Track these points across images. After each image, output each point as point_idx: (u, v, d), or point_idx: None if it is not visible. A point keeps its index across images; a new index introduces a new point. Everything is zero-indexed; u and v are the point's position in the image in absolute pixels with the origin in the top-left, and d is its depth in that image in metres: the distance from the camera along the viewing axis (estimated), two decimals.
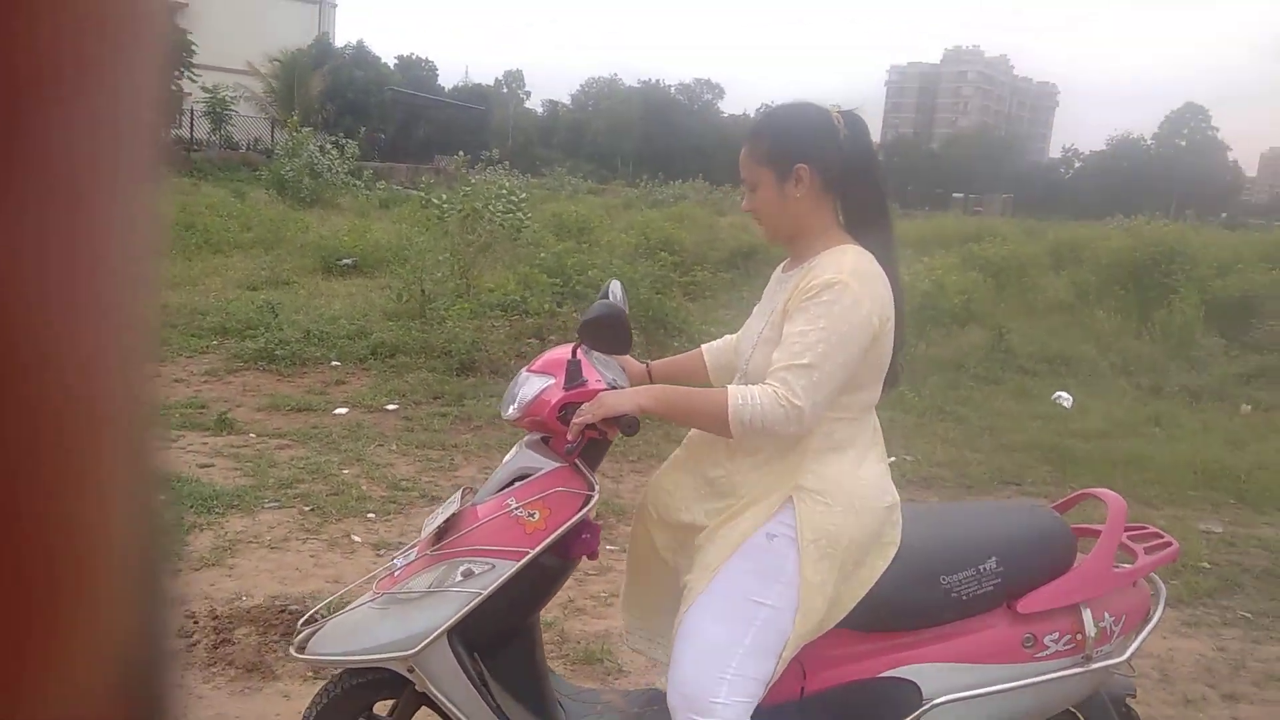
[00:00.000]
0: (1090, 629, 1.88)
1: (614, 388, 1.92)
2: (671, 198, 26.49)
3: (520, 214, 14.11)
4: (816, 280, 1.75)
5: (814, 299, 1.73)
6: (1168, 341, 9.32)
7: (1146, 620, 1.97)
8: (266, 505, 4.28)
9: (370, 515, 4.29)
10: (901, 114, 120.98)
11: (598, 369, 2.02)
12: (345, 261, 11.46)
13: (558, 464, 1.96)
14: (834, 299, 1.72)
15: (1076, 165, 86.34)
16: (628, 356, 2.21)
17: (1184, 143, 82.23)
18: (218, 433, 5.30)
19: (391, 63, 52.15)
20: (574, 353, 1.97)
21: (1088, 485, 5.58)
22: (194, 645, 3.10)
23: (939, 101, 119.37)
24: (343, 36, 40.74)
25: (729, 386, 1.77)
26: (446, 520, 1.99)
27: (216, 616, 3.28)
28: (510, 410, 2.02)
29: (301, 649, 1.97)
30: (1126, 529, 2.07)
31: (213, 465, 4.76)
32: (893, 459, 5.95)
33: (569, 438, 1.86)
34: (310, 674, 2.89)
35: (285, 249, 12.39)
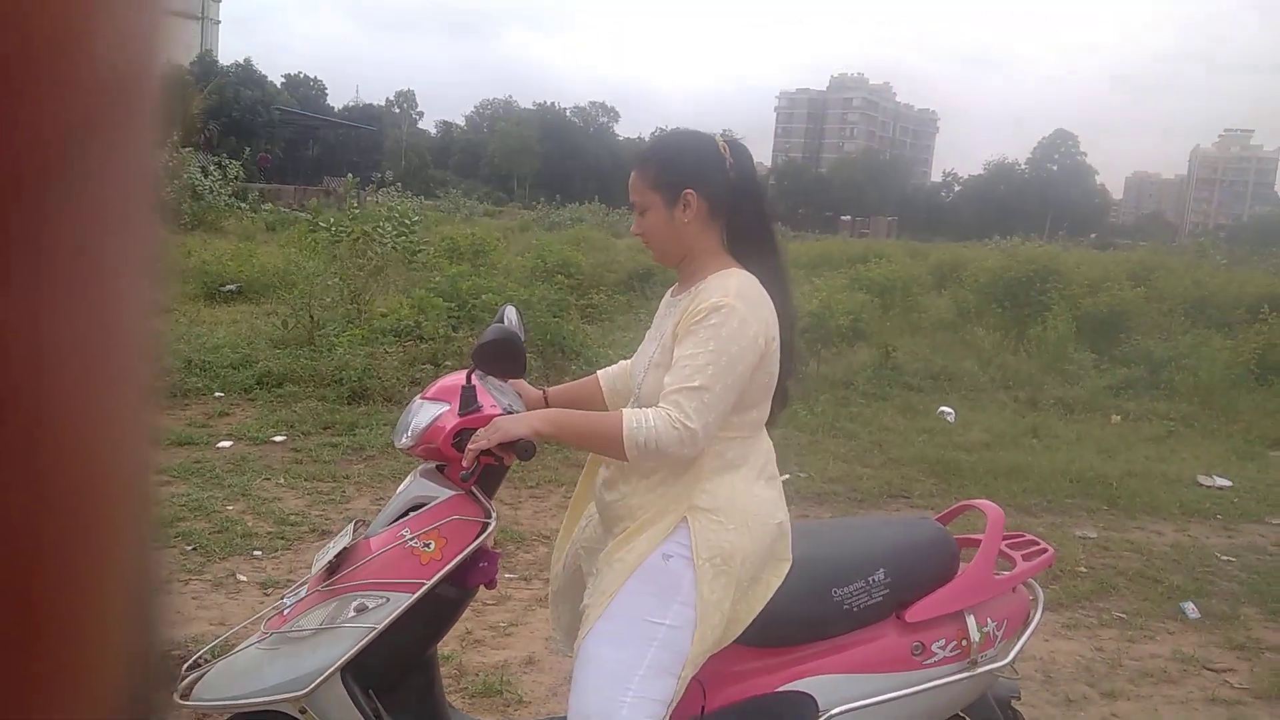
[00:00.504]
0: (975, 634, 1.96)
1: (509, 413, 1.90)
2: (568, 220, 26.56)
3: (412, 237, 13.93)
4: (704, 304, 1.79)
5: (702, 322, 1.78)
6: (1043, 356, 9.78)
7: (1027, 624, 2.06)
8: None
9: (257, 553, 4.14)
10: (791, 139, 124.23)
11: (493, 395, 2.00)
12: (229, 287, 11.10)
13: (453, 492, 1.93)
14: (721, 321, 1.76)
15: (956, 189, 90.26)
16: (524, 383, 2.22)
17: (1055, 167, 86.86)
18: None
19: (279, 81, 50.93)
20: (468, 378, 1.95)
21: (972, 496, 5.81)
22: None
23: (826, 127, 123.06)
24: (227, 55, 39.57)
25: (624, 410, 1.80)
26: (338, 555, 1.93)
27: None
28: (404, 439, 1.99)
29: (186, 696, 1.90)
30: (1005, 537, 2.17)
31: None
32: (787, 476, 6.05)
33: (464, 464, 1.84)
34: None
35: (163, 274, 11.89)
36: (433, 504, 1.93)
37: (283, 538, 4.32)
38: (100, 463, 0.29)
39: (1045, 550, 2.15)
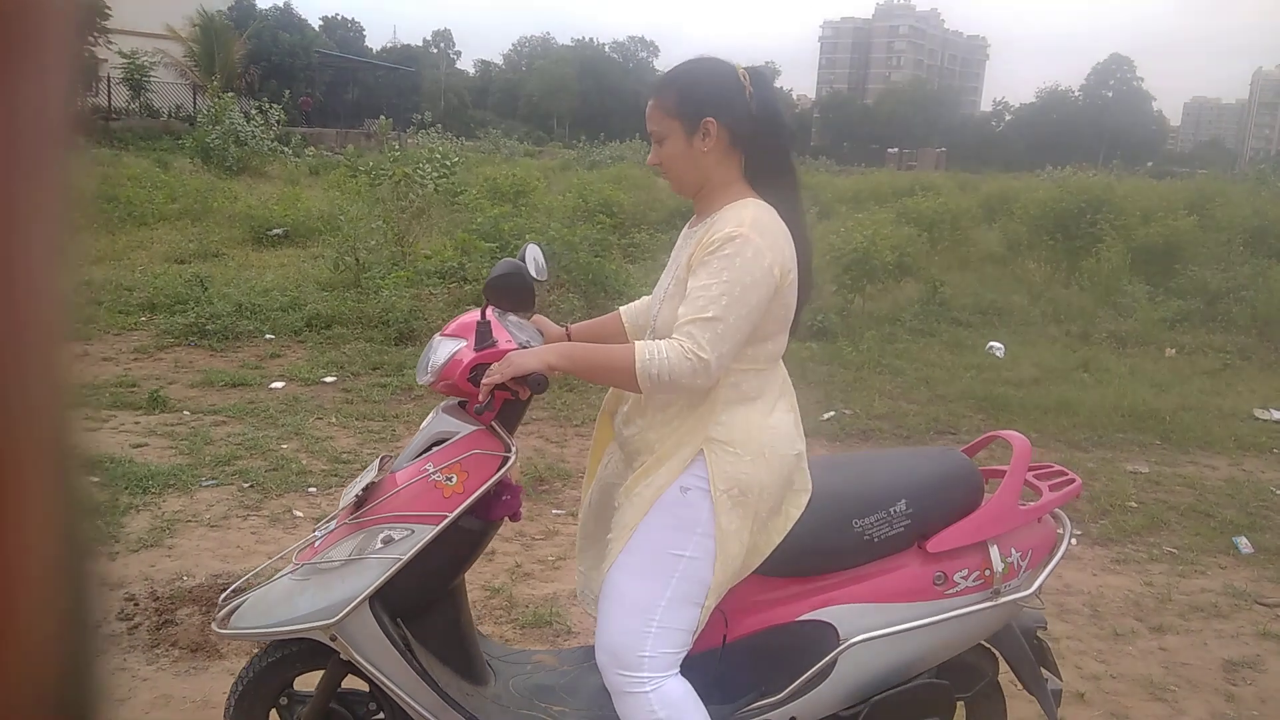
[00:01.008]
0: (998, 564, 1.95)
1: (525, 348, 1.92)
2: (609, 159, 26.26)
3: (453, 178, 13.92)
4: (718, 234, 1.77)
5: (716, 253, 1.76)
6: (1095, 289, 9.58)
7: (1053, 554, 2.05)
8: (204, 483, 4.20)
9: (311, 489, 4.24)
10: (836, 70, 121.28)
11: (510, 331, 2.02)
12: (276, 232, 11.20)
13: (474, 427, 1.95)
14: (735, 252, 1.74)
15: (1007, 118, 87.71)
16: (546, 319, 2.24)
17: (1110, 94, 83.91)
18: (150, 411, 5.17)
19: (317, 24, 50.73)
20: (483, 314, 1.96)
21: (1021, 431, 5.76)
22: (136, 627, 3.05)
23: (872, 56, 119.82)
24: None
25: (636, 342, 1.79)
26: (365, 489, 1.98)
27: (158, 598, 3.22)
28: (425, 376, 2.02)
29: (224, 625, 1.96)
30: (1032, 468, 2.15)
31: (146, 445, 4.65)
32: (832, 413, 6.03)
33: (480, 398, 1.87)
34: (255, 650, 2.87)
35: (213, 220, 12.04)
36: (454, 439, 1.95)
37: (336, 475, 4.42)
38: (12, 419, 0.26)
39: (1073, 480, 2.11)
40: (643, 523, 1.83)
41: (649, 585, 1.82)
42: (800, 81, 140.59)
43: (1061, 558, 2.05)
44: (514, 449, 1.96)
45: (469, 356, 1.93)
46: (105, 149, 21.40)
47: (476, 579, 3.51)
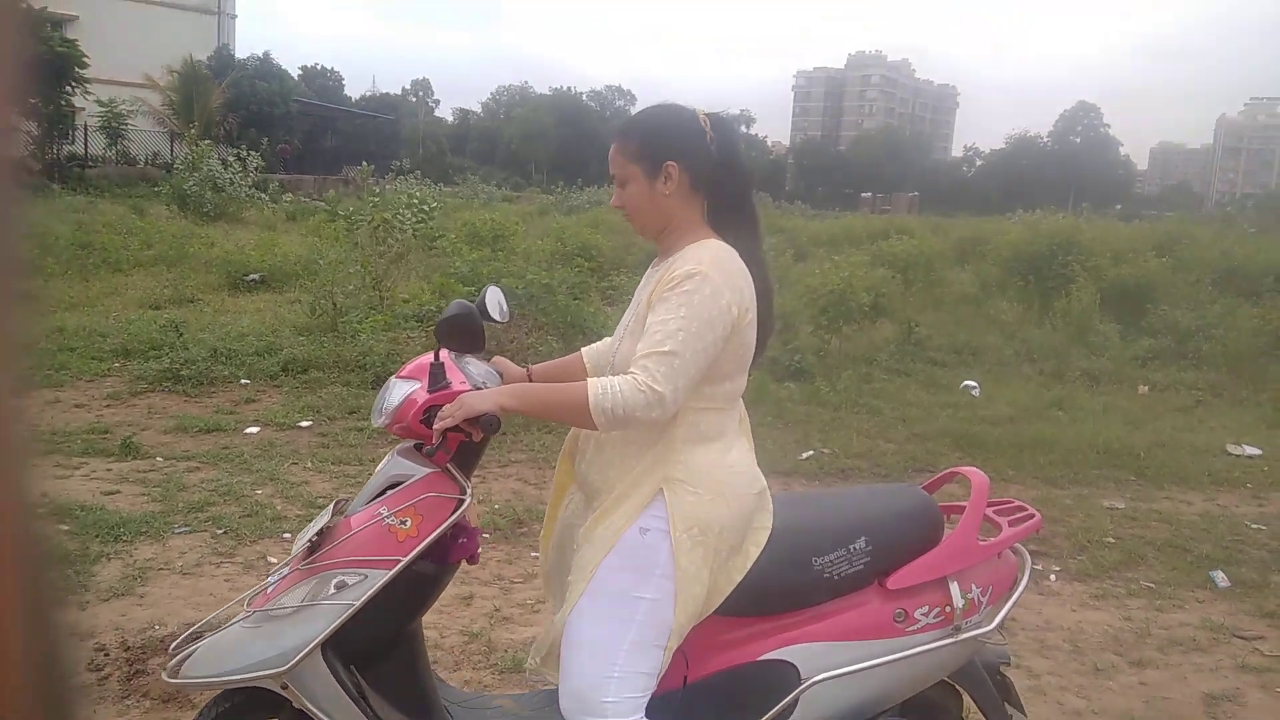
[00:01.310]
0: (958, 601, 1.94)
1: (480, 390, 1.91)
2: (587, 203, 26.48)
3: (431, 223, 13.97)
4: (678, 271, 1.78)
5: (675, 289, 1.77)
6: (1067, 329, 9.70)
7: (1013, 589, 2.04)
8: (177, 530, 4.14)
9: (286, 535, 4.18)
10: (809, 117, 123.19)
11: (467, 372, 2.02)
12: (252, 277, 11.16)
13: (429, 470, 1.94)
14: (694, 289, 1.75)
15: (978, 163, 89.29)
16: (505, 360, 2.25)
17: (1079, 139, 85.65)
18: (122, 458, 5.10)
19: (296, 73, 51.05)
20: (436, 356, 1.96)
21: (998, 469, 5.79)
22: (106, 678, 2.98)
23: (845, 104, 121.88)
24: (243, 49, 39.66)
25: (589, 379, 1.79)
26: (319, 533, 1.95)
27: (129, 648, 3.16)
28: (379, 419, 2.01)
29: (175, 674, 1.92)
30: (991, 504, 2.14)
31: (118, 491, 4.59)
32: (811, 452, 6.05)
33: (433, 440, 1.86)
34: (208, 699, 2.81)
35: (189, 265, 11.99)
36: (409, 482, 1.94)
37: (311, 520, 4.36)
38: None
39: (1032, 515, 2.11)
40: (602, 564, 1.81)
41: (610, 629, 1.80)
42: (775, 129, 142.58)
43: (1021, 593, 2.04)
44: (469, 491, 1.94)
45: (423, 398, 1.92)
46: (81, 196, 21.32)
47: (454, 624, 3.47)
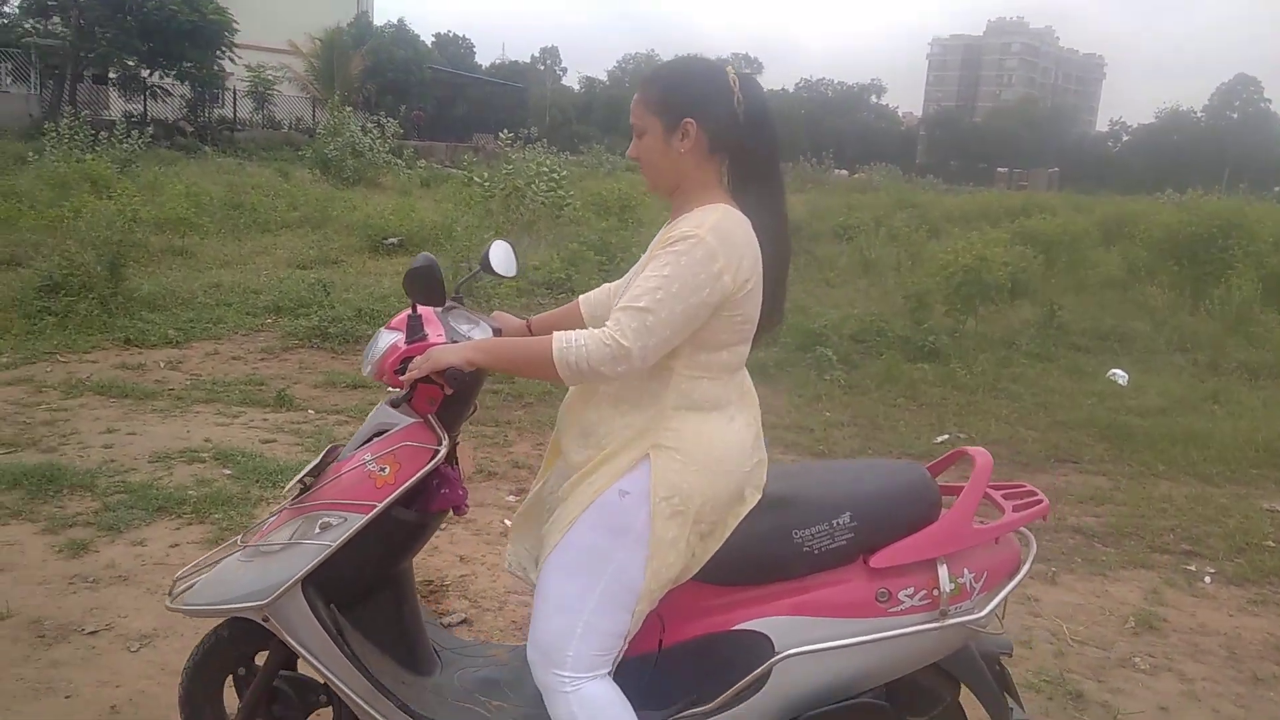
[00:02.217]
0: (946, 585, 1.84)
1: (451, 344, 1.92)
2: None
3: (562, 192, 14.13)
4: (676, 232, 1.76)
5: (668, 248, 1.74)
6: (1225, 318, 9.12)
7: (1012, 577, 1.93)
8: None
9: None
10: (944, 87, 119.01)
11: (451, 325, 2.04)
12: (391, 240, 11.55)
13: (412, 420, 1.97)
14: (686, 250, 1.72)
15: (1124, 139, 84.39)
16: (506, 314, 2.26)
17: (1236, 115, 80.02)
18: (277, 409, 5.39)
19: (429, 40, 52.28)
20: (413, 308, 1.98)
21: (1147, 463, 5.52)
22: None
23: (982, 74, 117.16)
24: (380, 15, 40.90)
25: (555, 332, 1.76)
26: (311, 474, 2.03)
27: None
28: (367, 368, 2.05)
29: (176, 601, 2.04)
30: (1001, 487, 2.04)
31: (275, 440, 4.85)
32: (946, 436, 5.88)
33: (402, 390, 1.90)
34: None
35: (332, 228, 12.51)
36: (392, 430, 1.99)
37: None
38: None
39: (1040, 501, 1.97)
40: (578, 521, 1.81)
41: (578, 585, 1.81)
42: (907, 99, 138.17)
43: (1020, 582, 1.93)
44: (444, 442, 1.96)
45: (401, 350, 1.96)
46: (230, 158, 22.48)
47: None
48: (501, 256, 2.18)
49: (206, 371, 6.05)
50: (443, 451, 1.95)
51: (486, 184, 13.59)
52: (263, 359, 6.49)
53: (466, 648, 2.34)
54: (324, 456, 2.08)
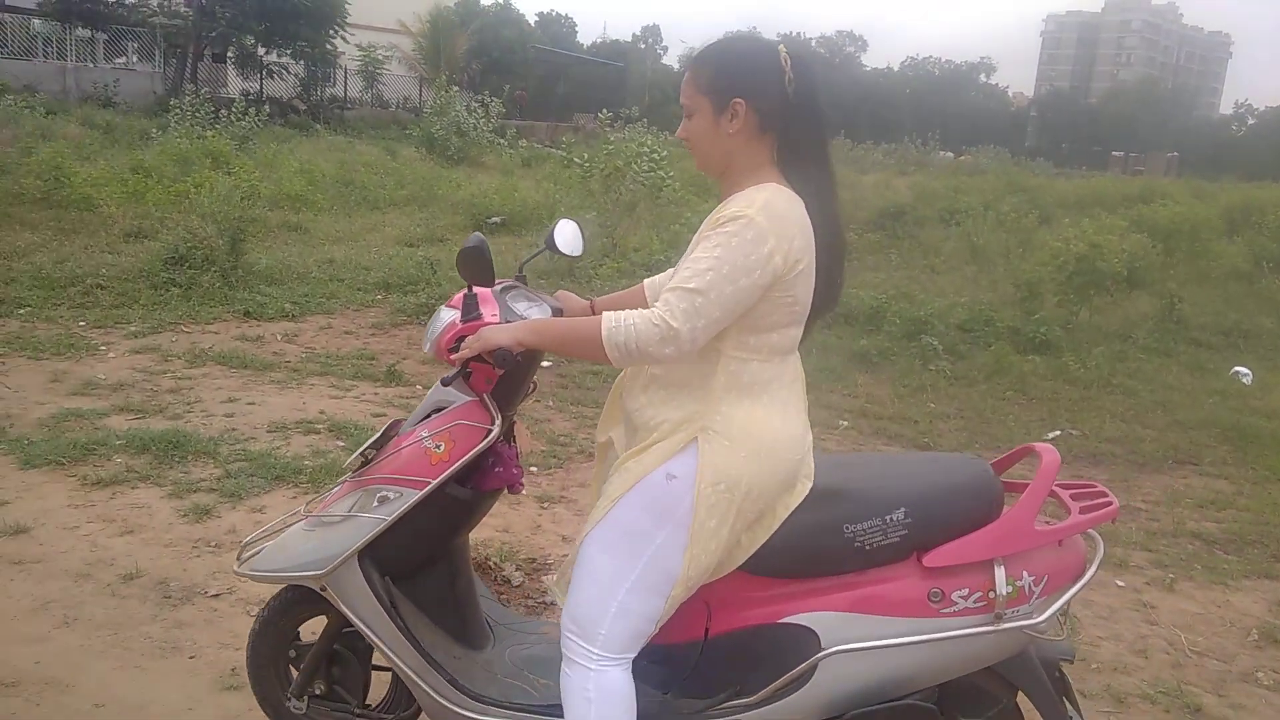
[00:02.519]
0: (1003, 587, 1.78)
1: (507, 323, 1.91)
2: None
3: (662, 173, 14.11)
4: (726, 213, 1.73)
5: (719, 229, 1.71)
6: None
7: (1075, 581, 1.84)
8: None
9: (533, 469, 4.43)
10: (1057, 66, 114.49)
11: (509, 305, 2.03)
12: (494, 219, 11.74)
13: (469, 398, 2.00)
14: (736, 231, 1.69)
15: (1250, 122, 79.81)
16: (570, 294, 2.26)
17: None
18: (387, 384, 5.56)
19: (532, 19, 52.73)
20: (469, 287, 1.98)
21: (1273, 467, 5.26)
22: None
23: (1099, 53, 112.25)
24: None
25: (605, 313, 1.74)
26: (373, 449, 2.06)
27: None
28: (427, 346, 2.07)
29: (242, 566, 2.11)
30: (1070, 486, 1.96)
31: (385, 414, 5.00)
32: (1058, 432, 5.70)
33: (456, 368, 1.91)
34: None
35: (438, 206, 12.78)
36: (449, 408, 2.01)
37: (554, 456, 4.60)
38: None
39: (1109, 503, 1.88)
40: (623, 499, 1.80)
41: (617, 563, 1.80)
42: (1018, 78, 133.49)
43: (1084, 586, 1.84)
44: (498, 421, 1.97)
45: (456, 329, 1.96)
46: (340, 136, 23.14)
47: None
48: (568, 235, 2.19)
49: (320, 345, 6.28)
50: (496, 430, 1.98)
51: (586, 164, 13.66)
52: (373, 334, 6.69)
53: (522, 624, 2.38)
54: (386, 430, 2.13)
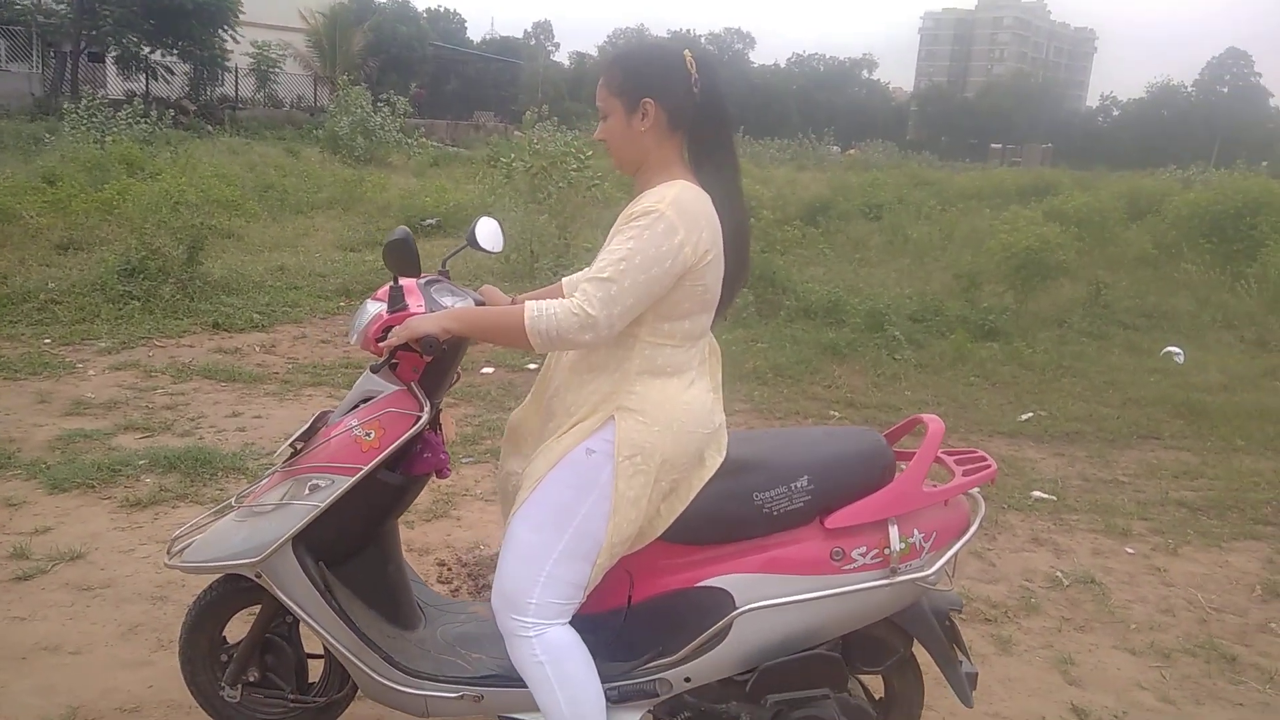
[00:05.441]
0: (896, 544, 1.99)
1: (430, 313, 2.01)
2: None
3: (589, 171, 14.14)
4: (639, 208, 1.86)
5: (631, 222, 1.85)
6: (1264, 295, 9.30)
7: (960, 537, 2.07)
8: (464, 460, 4.48)
9: (465, 460, 4.49)
10: (935, 62, 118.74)
11: (432, 297, 2.13)
12: (429, 222, 11.59)
13: (397, 387, 2.09)
14: (648, 225, 1.82)
15: (1115, 114, 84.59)
16: (493, 289, 2.38)
17: (1226, 89, 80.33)
18: None
19: (422, 15, 51.76)
20: (395, 279, 2.07)
21: (1225, 438, 5.68)
22: (456, 590, 3.31)
23: (974, 49, 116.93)
24: None
25: (527, 301, 1.87)
26: (302, 440, 2.14)
27: (465, 563, 3.48)
28: (353, 337, 2.16)
29: (173, 559, 2.17)
30: (949, 452, 2.18)
31: None
32: (1029, 415, 6.00)
33: (381, 358, 2.01)
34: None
35: (363, 209, 12.51)
36: (377, 397, 2.10)
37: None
38: None
39: (988, 466, 2.11)
40: (546, 477, 1.93)
41: (543, 537, 1.92)
42: (898, 74, 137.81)
43: (968, 541, 2.06)
44: (426, 408, 2.07)
45: (382, 320, 2.06)
46: (237, 138, 22.32)
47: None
48: (488, 233, 2.27)
49: (301, 355, 6.14)
50: (425, 418, 2.06)
51: (511, 163, 13.58)
52: (348, 344, 6.58)
53: (450, 605, 2.48)
54: (314, 422, 2.19)
